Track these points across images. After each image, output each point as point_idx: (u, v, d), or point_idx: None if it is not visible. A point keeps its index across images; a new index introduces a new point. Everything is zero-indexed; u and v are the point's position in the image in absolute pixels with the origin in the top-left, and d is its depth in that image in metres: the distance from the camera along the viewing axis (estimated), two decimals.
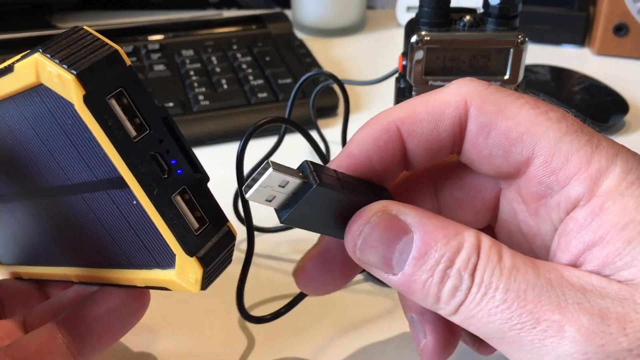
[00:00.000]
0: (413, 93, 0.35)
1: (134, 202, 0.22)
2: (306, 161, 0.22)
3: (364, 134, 0.23)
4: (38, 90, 0.21)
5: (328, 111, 0.54)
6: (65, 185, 0.24)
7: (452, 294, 0.20)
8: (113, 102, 0.21)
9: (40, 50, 0.20)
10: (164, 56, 0.59)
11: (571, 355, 0.18)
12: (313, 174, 0.22)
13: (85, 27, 0.21)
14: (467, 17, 0.33)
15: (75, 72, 0.20)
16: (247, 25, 0.67)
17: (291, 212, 0.22)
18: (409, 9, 0.72)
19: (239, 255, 0.39)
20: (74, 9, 0.77)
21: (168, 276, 0.23)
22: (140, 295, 0.27)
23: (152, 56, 0.59)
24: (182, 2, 0.79)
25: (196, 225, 0.23)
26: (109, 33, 0.64)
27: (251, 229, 0.30)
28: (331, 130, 0.51)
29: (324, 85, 0.45)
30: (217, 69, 0.57)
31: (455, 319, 0.21)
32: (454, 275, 0.20)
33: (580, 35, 0.67)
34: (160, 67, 0.57)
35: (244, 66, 0.58)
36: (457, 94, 0.23)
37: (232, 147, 0.51)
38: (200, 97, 0.53)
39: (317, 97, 0.45)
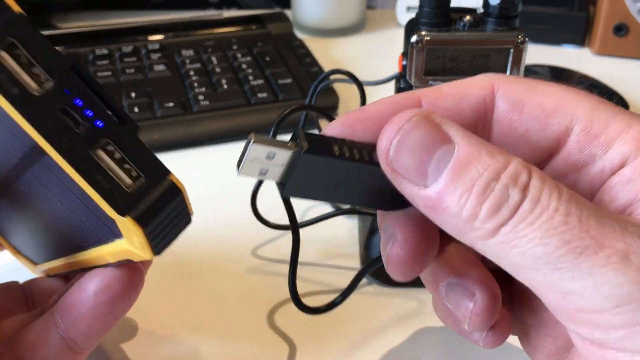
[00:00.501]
0: None
1: (56, 165, 0.20)
2: (297, 129, 0.21)
3: (384, 98, 0.23)
4: None
5: (328, 111, 0.54)
6: (14, 166, 0.22)
7: (495, 209, 0.18)
8: (2, 54, 0.19)
9: None
10: (164, 56, 0.59)
11: (636, 284, 0.17)
12: (302, 142, 0.20)
13: None
14: (467, 17, 0.33)
15: None
16: (247, 25, 0.67)
17: (288, 185, 0.21)
18: (409, 9, 0.72)
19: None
20: (74, 8, 0.77)
21: (124, 245, 0.21)
22: (127, 275, 0.25)
23: (152, 56, 0.59)
24: (182, 2, 0.79)
25: (128, 180, 0.20)
26: (109, 33, 0.64)
27: (295, 223, 0.28)
28: None
29: (325, 85, 0.45)
30: (217, 69, 0.57)
31: (490, 243, 0.19)
32: (499, 189, 0.18)
33: (580, 35, 0.67)
34: (161, 67, 0.57)
35: (244, 66, 0.58)
36: (484, 78, 0.23)
37: (233, 147, 0.51)
38: (200, 97, 0.53)
39: (317, 97, 0.45)
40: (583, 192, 0.21)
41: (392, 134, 0.20)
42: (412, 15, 0.35)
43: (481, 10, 0.34)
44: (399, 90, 0.36)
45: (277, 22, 0.67)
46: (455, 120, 0.21)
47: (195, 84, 0.54)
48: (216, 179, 0.46)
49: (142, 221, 0.20)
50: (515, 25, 0.33)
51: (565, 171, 0.22)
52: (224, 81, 0.55)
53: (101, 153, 0.20)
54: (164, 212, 0.21)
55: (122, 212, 0.20)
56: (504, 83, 0.22)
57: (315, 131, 0.48)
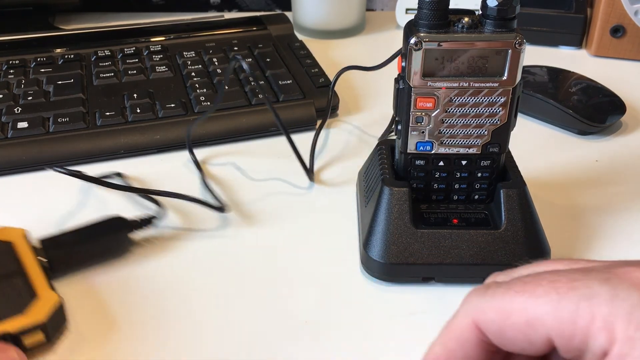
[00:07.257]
0: (412, 94, 0.35)
1: None
2: None
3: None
4: None
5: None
6: None
7: None
8: None
9: None
10: (166, 57, 0.60)
11: None
12: None
13: None
14: (466, 19, 0.34)
15: None
16: (248, 26, 0.67)
17: None
18: (408, 10, 0.73)
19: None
20: (76, 10, 0.78)
21: None
22: None
23: (154, 57, 0.60)
24: (183, 4, 0.80)
25: None
26: (111, 34, 0.65)
27: None
28: (332, 130, 0.52)
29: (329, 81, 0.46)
30: (218, 70, 0.57)
31: None
32: None
33: (577, 36, 0.68)
34: (162, 68, 0.58)
35: (245, 67, 0.58)
36: (465, 317, 0.25)
37: (234, 148, 0.52)
38: (202, 98, 0.53)
39: (317, 98, 0.46)
40: None
41: None
42: (411, 17, 0.36)
43: (479, 12, 0.34)
44: (398, 91, 0.36)
45: (278, 24, 0.68)
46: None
47: (197, 85, 0.55)
48: (217, 178, 0.46)
49: None
50: (513, 27, 0.34)
51: None
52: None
53: None
54: None
55: None
56: (481, 319, 0.24)
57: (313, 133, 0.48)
